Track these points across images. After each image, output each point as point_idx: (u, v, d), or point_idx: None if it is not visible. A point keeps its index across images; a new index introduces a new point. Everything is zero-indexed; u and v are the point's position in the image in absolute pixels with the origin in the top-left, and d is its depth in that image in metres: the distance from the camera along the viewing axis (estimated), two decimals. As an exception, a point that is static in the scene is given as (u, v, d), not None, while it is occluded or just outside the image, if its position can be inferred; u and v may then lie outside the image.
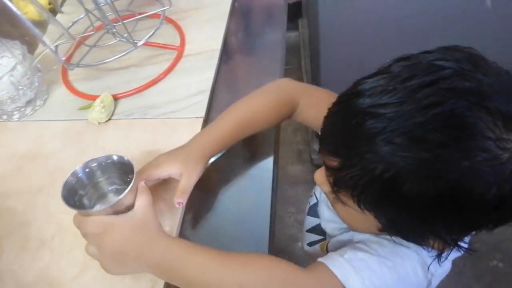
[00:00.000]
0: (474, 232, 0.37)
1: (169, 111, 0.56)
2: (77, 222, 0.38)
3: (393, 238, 0.40)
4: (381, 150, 0.31)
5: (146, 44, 0.62)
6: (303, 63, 1.72)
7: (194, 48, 0.63)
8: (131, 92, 0.59)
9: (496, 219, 0.33)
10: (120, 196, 0.37)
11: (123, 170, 0.41)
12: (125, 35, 0.59)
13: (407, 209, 0.33)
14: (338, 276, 0.36)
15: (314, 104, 0.53)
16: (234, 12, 0.70)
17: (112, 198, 0.43)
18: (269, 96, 0.51)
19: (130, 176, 0.39)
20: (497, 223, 0.33)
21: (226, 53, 0.63)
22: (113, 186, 0.44)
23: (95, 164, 0.42)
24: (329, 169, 0.36)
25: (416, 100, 0.30)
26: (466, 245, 0.37)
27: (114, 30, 0.62)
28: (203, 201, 0.47)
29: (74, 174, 0.40)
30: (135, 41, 0.59)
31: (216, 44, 0.62)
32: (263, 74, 0.60)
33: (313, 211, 0.61)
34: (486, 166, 0.29)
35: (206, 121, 0.54)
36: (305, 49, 1.73)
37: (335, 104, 0.37)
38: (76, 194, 0.41)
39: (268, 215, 0.44)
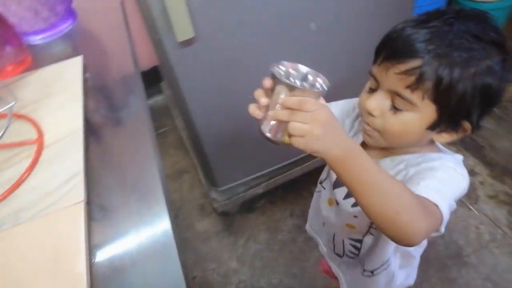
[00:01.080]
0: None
1: (45, 206, 0.51)
2: (298, 101, 0.44)
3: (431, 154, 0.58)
4: (445, 51, 0.49)
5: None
6: (177, 122, 1.75)
7: (55, 135, 0.60)
8: (-5, 201, 0.53)
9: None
10: (322, 88, 0.49)
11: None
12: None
13: (470, 95, 0.51)
14: (433, 200, 0.49)
15: None
16: (88, 91, 0.70)
17: None
18: None
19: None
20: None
21: (91, 131, 0.62)
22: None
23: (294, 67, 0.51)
24: (406, 72, 0.51)
25: None
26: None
27: (-44, 142, 0.56)
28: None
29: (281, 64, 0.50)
30: (-16, 147, 0.54)
31: (77, 125, 0.60)
32: (133, 142, 0.60)
33: (337, 182, 0.71)
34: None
35: (88, 203, 0.52)
36: (175, 108, 1.77)
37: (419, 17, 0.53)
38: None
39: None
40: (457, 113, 0.53)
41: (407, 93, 0.51)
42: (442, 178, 0.52)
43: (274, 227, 1.49)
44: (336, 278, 0.90)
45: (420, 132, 0.55)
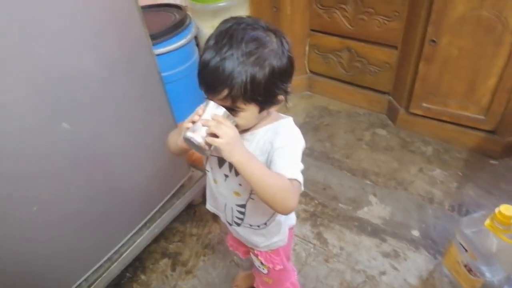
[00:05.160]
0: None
1: None
2: (223, 119, 0.72)
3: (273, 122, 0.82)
4: (239, 71, 0.68)
5: None
6: None
7: None
8: None
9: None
10: (234, 120, 0.74)
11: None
12: None
13: (269, 84, 0.72)
14: (292, 177, 0.74)
15: None
16: None
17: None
18: None
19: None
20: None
21: None
22: None
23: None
24: (224, 99, 0.71)
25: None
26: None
27: None
28: None
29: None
30: None
31: None
32: None
33: (221, 161, 0.87)
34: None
35: None
36: None
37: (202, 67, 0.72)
38: None
39: None
40: (269, 98, 0.75)
41: (233, 107, 0.73)
42: (290, 152, 0.77)
43: None
44: (239, 251, 1.20)
45: (256, 117, 0.77)
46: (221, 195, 0.94)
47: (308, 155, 1.97)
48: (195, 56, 1.95)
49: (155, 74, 1.29)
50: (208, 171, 0.93)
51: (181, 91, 1.81)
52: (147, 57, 1.24)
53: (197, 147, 0.72)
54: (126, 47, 1.15)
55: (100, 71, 1.09)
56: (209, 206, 1.07)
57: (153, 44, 1.27)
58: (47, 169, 1.03)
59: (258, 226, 0.95)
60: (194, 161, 1.68)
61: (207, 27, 2.17)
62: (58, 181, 1.07)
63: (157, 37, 1.66)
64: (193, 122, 0.73)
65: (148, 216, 1.44)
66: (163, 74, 1.34)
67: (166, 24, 1.78)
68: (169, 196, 1.52)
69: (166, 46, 1.71)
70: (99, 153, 1.17)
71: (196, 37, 2.01)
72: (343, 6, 1.99)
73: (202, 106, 0.74)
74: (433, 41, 1.72)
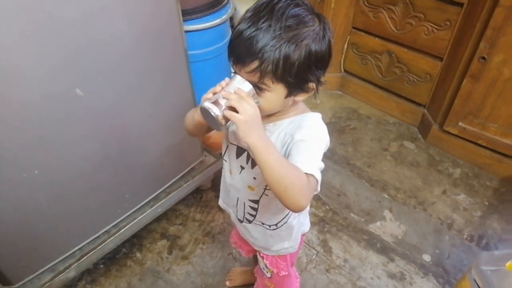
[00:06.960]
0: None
1: None
2: (246, 95, 0.65)
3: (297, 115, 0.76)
4: (273, 44, 0.63)
5: None
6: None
7: None
8: None
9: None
10: (258, 101, 0.69)
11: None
12: None
13: (303, 66, 0.66)
14: (309, 172, 0.66)
15: None
16: None
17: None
18: None
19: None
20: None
21: None
22: None
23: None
24: (252, 72, 0.65)
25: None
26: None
27: None
28: None
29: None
30: None
31: None
32: None
33: (239, 151, 0.83)
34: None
35: None
36: None
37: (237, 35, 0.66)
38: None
39: None
40: (299, 82, 0.69)
41: (260, 84, 0.67)
42: (311, 147, 0.69)
43: (98, 311, 1.30)
44: (243, 249, 1.13)
45: (281, 102, 0.71)
46: (234, 188, 0.89)
47: (327, 157, 1.88)
48: (228, 38, 1.88)
49: (181, 50, 1.23)
50: (225, 161, 0.88)
51: (208, 72, 1.75)
52: (175, 33, 1.18)
53: (213, 120, 0.66)
54: (155, 19, 1.09)
55: (125, 40, 1.04)
56: (221, 202, 1.02)
57: (186, 20, 1.21)
58: (55, 132, 1.00)
59: (269, 226, 0.90)
60: (209, 145, 1.63)
61: (245, 10, 2.09)
62: (65, 145, 1.04)
63: (190, 13, 1.59)
64: (214, 94, 0.68)
65: (153, 195, 1.41)
66: (192, 52, 1.29)
67: (203, 1, 1.71)
68: (177, 177, 1.47)
69: (199, 23, 1.64)
70: (111, 123, 1.13)
71: (232, 18, 1.93)
72: (392, 7, 1.87)
73: (227, 79, 0.69)
74: (483, 58, 1.58)
